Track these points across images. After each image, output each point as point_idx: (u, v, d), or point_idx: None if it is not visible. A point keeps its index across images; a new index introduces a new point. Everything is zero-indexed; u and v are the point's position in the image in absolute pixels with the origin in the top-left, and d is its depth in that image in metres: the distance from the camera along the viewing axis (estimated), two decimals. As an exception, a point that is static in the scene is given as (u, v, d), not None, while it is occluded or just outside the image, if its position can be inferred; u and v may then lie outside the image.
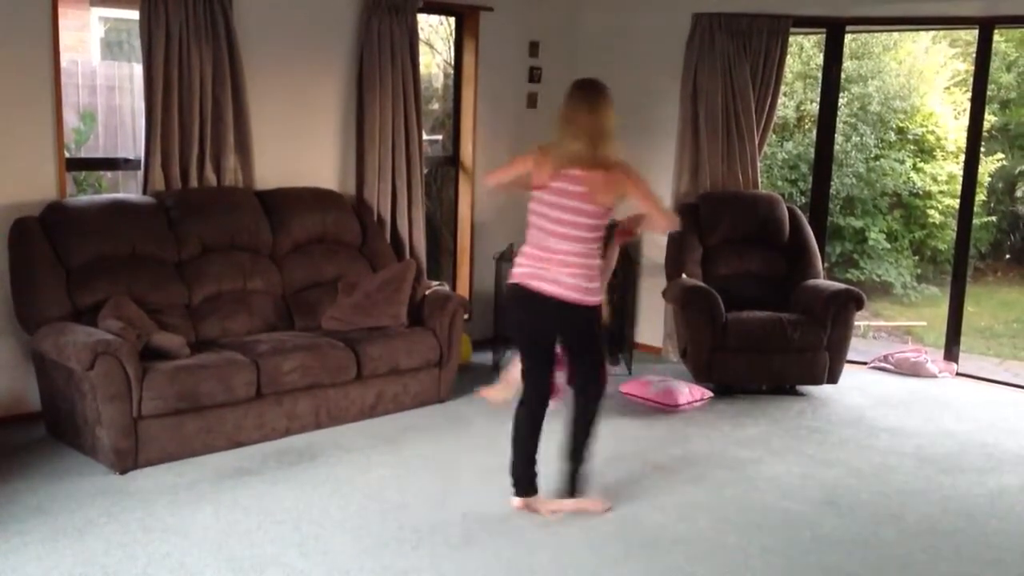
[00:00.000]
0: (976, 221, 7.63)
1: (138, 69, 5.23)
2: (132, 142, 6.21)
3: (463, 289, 6.76)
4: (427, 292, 5.53)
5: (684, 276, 6.05)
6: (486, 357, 6.35)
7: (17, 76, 4.65)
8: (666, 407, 5.44)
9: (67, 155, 5.07)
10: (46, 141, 4.79)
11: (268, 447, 4.58)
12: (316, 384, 4.76)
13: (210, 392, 4.36)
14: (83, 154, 6.39)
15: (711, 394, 5.62)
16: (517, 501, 3.94)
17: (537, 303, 3.76)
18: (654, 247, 6.73)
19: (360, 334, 5.09)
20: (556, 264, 3.72)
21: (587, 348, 3.93)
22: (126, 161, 5.55)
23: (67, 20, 5.92)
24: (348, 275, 5.47)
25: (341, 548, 3.59)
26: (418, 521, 3.85)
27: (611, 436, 4.99)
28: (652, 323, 6.84)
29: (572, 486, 4.01)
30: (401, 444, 4.75)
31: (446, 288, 5.90)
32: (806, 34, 8.66)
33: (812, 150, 7.61)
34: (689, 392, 5.53)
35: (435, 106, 8.24)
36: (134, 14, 5.02)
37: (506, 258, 6.40)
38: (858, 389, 6.06)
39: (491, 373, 6.06)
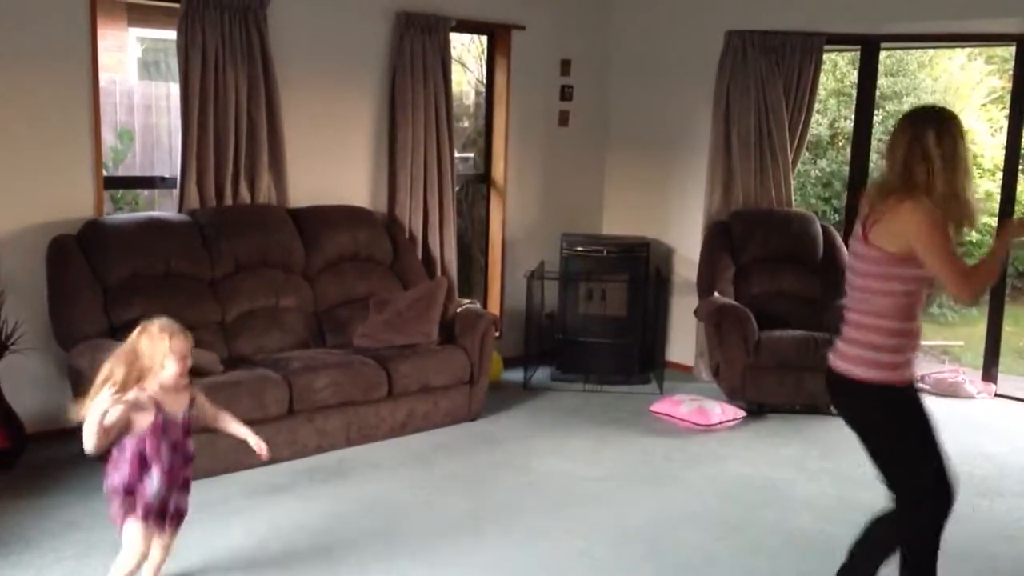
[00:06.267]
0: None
1: (175, 88, 5.31)
2: (168, 160, 6.30)
3: (494, 307, 6.75)
4: (458, 310, 5.53)
5: (716, 294, 6.01)
6: (517, 375, 6.34)
7: (57, 95, 4.73)
8: (699, 426, 5.39)
9: (105, 173, 5.14)
10: (84, 159, 4.86)
11: (299, 464, 4.60)
12: (347, 401, 4.77)
13: (243, 409, 4.37)
14: (120, 172, 6.49)
15: (744, 413, 5.57)
16: None
17: None
18: (686, 265, 6.70)
19: (391, 351, 5.09)
20: None
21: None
22: (162, 179, 5.62)
23: (106, 40, 6.02)
24: (379, 292, 5.49)
25: (373, 565, 3.58)
26: (448, 539, 3.84)
27: (643, 456, 4.97)
28: (684, 341, 6.79)
29: None
30: (431, 462, 4.75)
31: (477, 306, 5.91)
32: (840, 51, 8.59)
33: (846, 168, 7.56)
34: (722, 411, 5.49)
35: (466, 124, 8.28)
36: (171, 34, 5.09)
37: (536, 276, 6.41)
38: (894, 409, 5.97)
39: (522, 392, 6.06)
